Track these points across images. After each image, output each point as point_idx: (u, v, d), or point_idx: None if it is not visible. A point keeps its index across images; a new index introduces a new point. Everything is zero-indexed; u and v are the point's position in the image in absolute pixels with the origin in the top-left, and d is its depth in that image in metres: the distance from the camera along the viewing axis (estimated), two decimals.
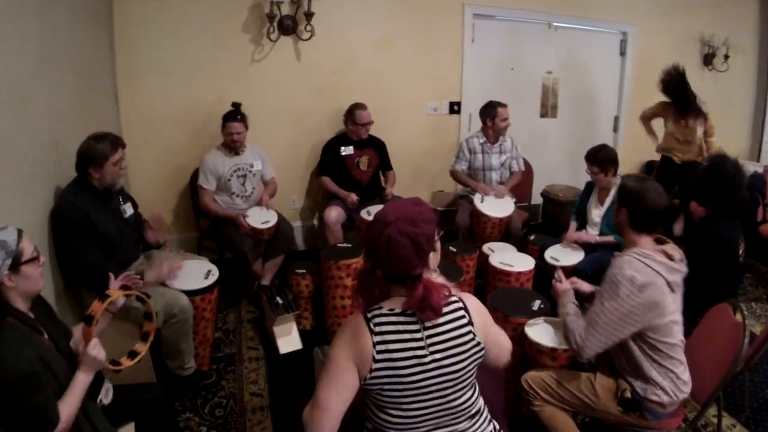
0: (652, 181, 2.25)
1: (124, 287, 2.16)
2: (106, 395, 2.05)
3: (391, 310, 1.60)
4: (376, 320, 1.59)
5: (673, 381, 2.15)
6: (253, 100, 4.50)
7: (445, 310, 1.61)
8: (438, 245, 1.68)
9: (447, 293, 1.61)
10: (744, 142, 6.75)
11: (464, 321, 1.63)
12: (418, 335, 1.58)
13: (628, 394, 2.19)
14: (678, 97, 4.58)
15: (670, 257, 2.16)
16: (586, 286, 2.64)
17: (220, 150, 4.12)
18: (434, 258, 1.66)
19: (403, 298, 1.61)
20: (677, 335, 2.16)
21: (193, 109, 4.57)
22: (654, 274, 2.06)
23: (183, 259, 3.31)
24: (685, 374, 2.20)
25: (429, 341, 1.58)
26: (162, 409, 2.33)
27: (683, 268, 2.16)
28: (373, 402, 1.65)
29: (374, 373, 1.55)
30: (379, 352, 1.55)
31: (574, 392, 2.28)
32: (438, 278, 1.71)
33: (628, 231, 2.26)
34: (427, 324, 1.59)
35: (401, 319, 1.59)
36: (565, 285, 2.47)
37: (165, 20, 4.35)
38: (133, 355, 2.18)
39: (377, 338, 1.56)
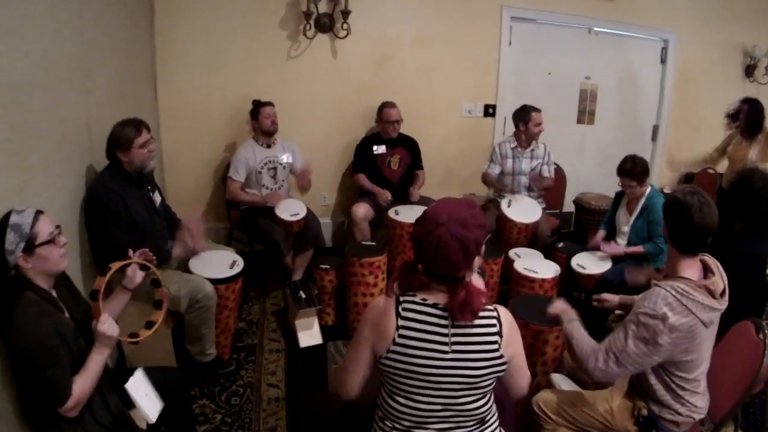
0: (699, 195, 2.02)
1: (125, 259, 2.20)
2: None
3: (424, 300, 1.62)
4: (405, 305, 1.62)
5: (687, 406, 2.10)
6: (288, 96, 4.57)
7: (479, 314, 1.61)
8: (483, 249, 1.66)
9: (485, 300, 1.62)
10: None
11: (494, 330, 1.63)
12: (444, 330, 1.59)
13: (645, 412, 2.15)
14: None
15: (712, 293, 1.99)
16: (610, 299, 2.64)
17: (254, 142, 4.22)
18: (478, 261, 1.66)
19: (441, 293, 1.62)
20: (698, 369, 2.07)
21: (229, 103, 4.65)
22: (688, 313, 1.92)
23: (209, 248, 3.38)
24: (702, 401, 2.13)
25: (454, 339, 1.59)
26: (178, 392, 2.38)
27: (723, 304, 2.00)
28: (385, 387, 1.69)
29: (390, 355, 1.59)
30: (400, 336, 1.59)
31: (590, 414, 2.23)
32: (478, 281, 1.73)
33: (669, 247, 2.11)
34: (457, 323, 1.59)
35: (432, 311, 1.60)
36: (560, 306, 2.39)
37: (204, 13, 4.44)
38: (150, 325, 2.23)
39: (402, 322, 1.60)
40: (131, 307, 2.36)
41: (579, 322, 2.27)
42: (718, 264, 2.11)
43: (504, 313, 1.69)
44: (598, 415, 2.21)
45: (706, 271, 2.09)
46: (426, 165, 4.91)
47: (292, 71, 4.76)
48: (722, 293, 2.02)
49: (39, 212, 1.84)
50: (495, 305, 1.69)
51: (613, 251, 3.68)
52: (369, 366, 1.68)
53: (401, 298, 1.64)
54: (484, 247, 1.66)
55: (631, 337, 1.98)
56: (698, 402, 2.12)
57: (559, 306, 2.40)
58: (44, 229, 1.83)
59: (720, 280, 2.05)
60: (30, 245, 1.77)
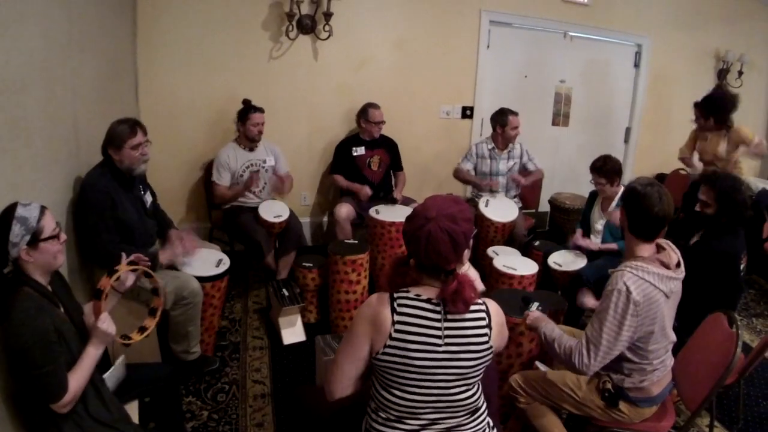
0: (658, 187, 2.17)
1: (131, 263, 2.21)
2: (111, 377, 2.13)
3: (418, 295, 1.69)
4: (400, 302, 1.68)
5: (646, 377, 2.21)
6: (269, 97, 4.58)
7: (470, 309, 1.69)
8: (471, 242, 1.75)
9: (475, 294, 1.68)
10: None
11: (483, 323, 1.70)
12: (437, 324, 1.66)
13: (609, 386, 2.25)
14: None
15: (666, 265, 2.14)
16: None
17: (235, 145, 4.23)
18: (467, 254, 1.75)
19: (433, 288, 1.70)
20: (655, 342, 2.16)
21: (210, 103, 4.66)
22: (649, 287, 2.06)
23: (198, 246, 3.39)
24: (661, 372, 2.25)
25: (447, 332, 1.66)
26: (167, 388, 2.40)
27: (680, 273, 2.15)
28: (378, 380, 1.74)
29: (387, 350, 1.64)
30: (396, 331, 1.64)
31: (560, 386, 2.34)
32: (469, 270, 1.80)
33: (627, 234, 2.23)
34: (449, 316, 1.66)
35: (425, 305, 1.67)
36: (534, 314, 2.45)
37: (186, 14, 4.44)
38: (142, 330, 2.25)
39: (397, 318, 1.65)
40: (121, 307, 2.38)
41: (553, 324, 2.35)
42: (669, 242, 2.25)
43: (492, 305, 1.77)
44: (568, 389, 2.32)
45: (659, 248, 2.23)
46: (404, 166, 4.98)
47: (273, 72, 4.79)
48: (677, 265, 2.17)
49: (44, 207, 1.87)
50: (484, 299, 1.77)
51: (588, 245, 3.79)
52: (365, 362, 1.72)
53: (395, 295, 1.70)
54: (472, 240, 1.74)
55: (605, 324, 2.08)
56: (657, 372, 2.23)
57: (534, 315, 2.45)
58: (49, 224, 1.85)
59: (672, 253, 2.20)
60: (35, 239, 1.79)
